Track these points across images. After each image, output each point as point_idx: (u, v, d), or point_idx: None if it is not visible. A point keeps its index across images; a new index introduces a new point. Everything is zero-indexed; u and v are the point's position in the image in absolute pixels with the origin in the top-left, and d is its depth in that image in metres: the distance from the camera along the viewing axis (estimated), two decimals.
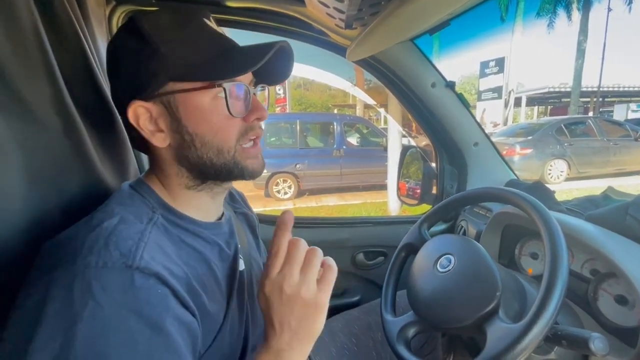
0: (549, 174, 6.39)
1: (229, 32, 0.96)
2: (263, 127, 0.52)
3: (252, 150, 0.49)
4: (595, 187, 5.57)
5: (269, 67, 0.48)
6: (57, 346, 0.31)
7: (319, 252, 0.45)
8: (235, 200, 0.68)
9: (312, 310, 0.42)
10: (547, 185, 0.92)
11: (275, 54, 0.45)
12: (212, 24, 0.48)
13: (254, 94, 0.49)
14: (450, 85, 1.04)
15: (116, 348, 0.32)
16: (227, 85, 0.44)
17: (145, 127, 0.45)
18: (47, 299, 0.33)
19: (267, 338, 0.43)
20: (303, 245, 0.44)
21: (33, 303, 0.33)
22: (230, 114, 0.45)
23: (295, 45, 1.04)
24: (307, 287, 0.42)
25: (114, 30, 0.90)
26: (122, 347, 0.33)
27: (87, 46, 0.57)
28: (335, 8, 0.64)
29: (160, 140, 0.46)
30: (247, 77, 0.48)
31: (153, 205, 0.46)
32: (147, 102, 0.44)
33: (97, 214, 0.40)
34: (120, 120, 0.59)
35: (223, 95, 0.44)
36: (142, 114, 0.44)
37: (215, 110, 0.45)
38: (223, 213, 0.57)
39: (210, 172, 0.47)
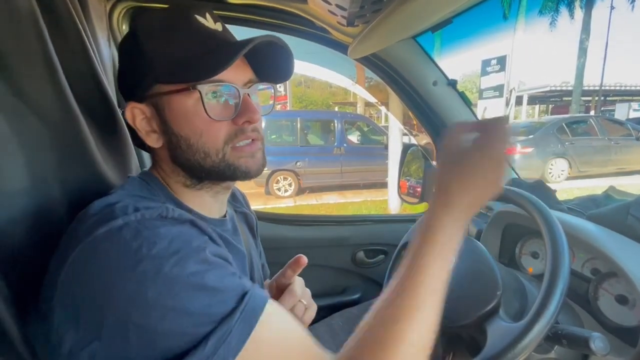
0: (550, 172, 6.38)
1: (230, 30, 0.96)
2: (261, 128, 0.49)
3: (246, 148, 0.46)
4: (596, 186, 5.56)
5: (269, 64, 0.47)
6: (133, 285, 0.31)
7: None
8: (236, 200, 0.69)
9: None
10: (548, 184, 0.92)
11: (271, 50, 0.45)
12: (207, 22, 0.46)
13: (247, 94, 0.46)
14: (452, 84, 1.03)
15: (183, 269, 0.33)
16: (202, 87, 0.42)
17: (141, 127, 0.45)
18: (96, 254, 0.33)
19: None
20: None
21: (78, 265, 0.33)
22: (209, 117, 0.43)
23: (296, 42, 1.05)
24: None
25: (115, 26, 0.90)
26: (186, 268, 0.33)
27: (87, 42, 0.57)
28: (337, 5, 0.63)
29: (154, 141, 0.46)
30: (238, 77, 0.45)
31: (162, 198, 0.46)
32: (140, 103, 0.45)
33: (113, 195, 0.40)
34: (122, 118, 0.59)
35: (212, 96, 0.43)
36: (137, 114, 0.45)
37: (197, 113, 0.43)
38: (226, 211, 0.57)
39: (201, 173, 0.46)
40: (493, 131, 0.40)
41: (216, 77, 0.42)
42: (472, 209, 0.40)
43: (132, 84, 0.44)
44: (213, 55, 0.43)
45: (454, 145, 0.41)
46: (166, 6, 0.49)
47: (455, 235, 0.39)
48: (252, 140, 0.47)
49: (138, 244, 0.33)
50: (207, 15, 0.46)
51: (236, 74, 0.45)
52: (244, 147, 0.46)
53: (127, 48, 0.45)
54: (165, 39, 0.43)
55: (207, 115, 0.43)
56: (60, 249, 0.38)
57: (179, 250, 0.34)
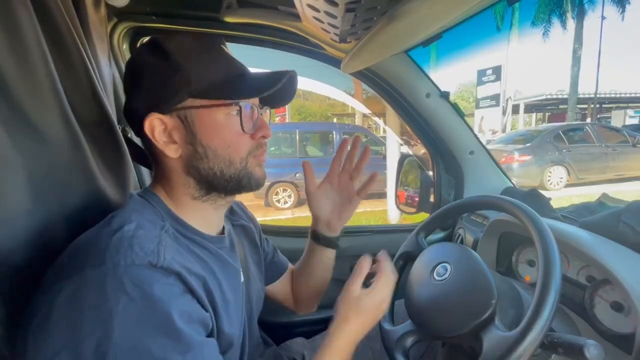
0: (549, 180, 6.39)
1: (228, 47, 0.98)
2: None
3: (261, 157, 0.54)
4: (595, 193, 5.54)
5: (275, 92, 0.51)
6: (96, 339, 0.33)
7: None
8: (234, 213, 0.70)
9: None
10: (547, 192, 0.93)
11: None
12: (228, 50, 0.53)
13: (261, 114, 0.53)
14: (445, 95, 1.05)
15: (151, 336, 0.36)
16: (242, 104, 0.49)
17: (159, 138, 0.48)
18: (79, 297, 0.35)
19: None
20: None
21: (63, 300, 0.35)
22: (243, 130, 0.49)
23: (292, 57, 1.07)
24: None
25: (115, 46, 0.93)
26: (156, 334, 0.36)
27: (89, 62, 0.59)
28: (329, 24, 0.66)
29: (172, 151, 0.49)
30: (255, 100, 0.52)
31: (162, 215, 0.48)
32: (164, 115, 0.48)
33: (115, 219, 0.42)
34: (121, 135, 0.61)
35: (236, 113, 0.49)
36: (157, 126, 0.48)
37: (228, 126, 0.49)
38: (224, 227, 0.58)
39: (220, 182, 0.50)
40: (381, 279, 0.59)
41: (245, 99, 0.49)
42: (362, 331, 0.56)
43: (160, 97, 0.47)
44: (254, 81, 0.50)
45: (353, 289, 0.57)
46: (165, 26, 0.53)
47: (350, 345, 0.55)
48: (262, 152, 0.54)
49: (117, 299, 0.35)
50: (225, 44, 0.53)
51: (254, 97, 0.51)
52: (260, 156, 0.53)
53: (158, 65, 0.48)
54: (201, 59, 0.48)
55: (242, 128, 0.49)
56: (54, 268, 0.39)
57: (154, 317, 0.36)
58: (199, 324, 0.41)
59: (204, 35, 0.54)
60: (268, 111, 0.58)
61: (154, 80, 0.48)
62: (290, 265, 0.82)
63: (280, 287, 0.79)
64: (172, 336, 0.37)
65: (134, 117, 0.49)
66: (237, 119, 0.49)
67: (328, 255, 0.75)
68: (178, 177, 0.50)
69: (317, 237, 0.73)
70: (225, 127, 0.48)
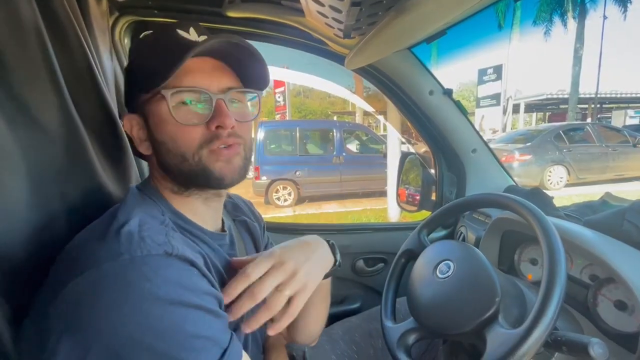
0: (549, 180, 6.40)
1: None
2: (245, 134, 0.50)
3: (224, 151, 0.47)
4: (595, 193, 5.57)
5: (250, 71, 0.49)
6: (133, 327, 0.33)
7: None
8: (238, 209, 0.69)
9: None
10: (547, 192, 0.93)
11: (242, 54, 0.47)
12: (189, 35, 0.48)
13: (222, 100, 0.46)
14: (448, 93, 1.05)
15: (183, 317, 0.36)
16: (167, 92, 0.44)
17: (137, 136, 0.49)
18: (101, 291, 0.34)
19: None
20: None
21: (84, 296, 0.34)
22: (176, 121, 0.45)
23: (295, 53, 1.06)
24: None
25: (117, 40, 0.92)
26: (186, 312, 0.36)
27: (90, 55, 0.58)
28: (333, 18, 0.65)
29: (144, 149, 0.49)
30: (213, 84, 0.47)
31: (162, 209, 0.47)
32: (132, 113, 0.49)
33: (120, 214, 0.41)
34: (122, 129, 0.61)
35: (181, 103, 0.45)
36: (134, 125, 0.49)
37: (169, 118, 0.45)
38: (223, 222, 0.58)
39: (180, 178, 0.48)
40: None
41: (186, 84, 0.45)
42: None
43: (126, 96, 0.50)
44: (168, 61, 0.43)
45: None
46: (167, 20, 0.53)
47: None
48: (230, 145, 0.47)
49: (142, 286, 0.35)
50: (191, 29, 0.48)
51: (211, 80, 0.47)
52: (221, 150, 0.47)
53: (129, 65, 0.51)
54: (147, 53, 0.48)
55: (174, 119, 0.45)
56: (63, 263, 0.39)
57: (181, 297, 0.36)
58: (218, 303, 0.42)
59: (163, 25, 0.54)
60: (258, 96, 0.55)
61: (126, 80, 0.51)
62: None
63: None
64: (203, 309, 0.38)
65: (122, 117, 0.52)
66: (185, 108, 0.45)
67: (324, 284, 0.64)
68: (158, 172, 0.50)
69: None
70: (167, 119, 0.45)
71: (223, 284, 0.48)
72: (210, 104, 0.46)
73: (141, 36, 0.51)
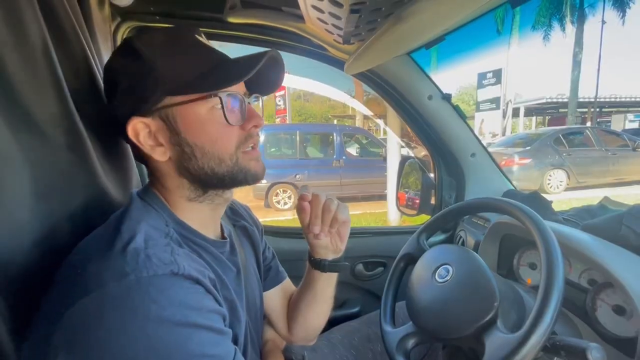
0: (549, 184, 6.40)
1: (231, 47, 0.98)
2: (260, 134, 0.54)
3: (253, 152, 0.51)
4: (595, 197, 5.55)
5: (261, 77, 0.50)
6: (138, 348, 0.34)
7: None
8: (237, 214, 0.69)
9: None
10: (547, 196, 0.93)
11: (266, 64, 0.47)
12: (203, 39, 0.50)
13: (249, 103, 0.50)
14: (447, 98, 1.06)
15: (188, 338, 0.36)
16: (222, 95, 0.46)
17: (145, 142, 0.46)
18: (107, 312, 0.34)
19: None
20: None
21: (89, 317, 0.35)
22: (228, 122, 0.47)
23: (294, 58, 1.07)
24: None
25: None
26: (191, 332, 0.36)
27: (93, 61, 0.59)
28: (333, 25, 0.66)
29: (160, 154, 0.47)
30: (240, 88, 0.50)
31: (166, 220, 0.47)
32: (146, 117, 0.46)
33: (124, 228, 0.41)
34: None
35: (219, 105, 0.46)
36: (141, 129, 0.46)
37: (212, 120, 0.46)
38: (223, 229, 0.58)
39: (213, 180, 0.48)
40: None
41: (231, 88, 0.47)
42: None
43: (137, 100, 0.46)
44: (231, 67, 0.47)
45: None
46: (168, 26, 0.52)
47: None
48: (255, 144, 0.51)
49: (147, 307, 0.35)
50: (201, 34, 0.51)
51: (237, 86, 0.49)
52: (251, 151, 0.50)
53: (131, 66, 0.46)
54: (173, 54, 0.46)
55: (226, 120, 0.46)
56: (68, 280, 0.38)
57: (187, 318, 0.37)
58: (222, 320, 0.42)
59: (174, 29, 0.52)
60: (261, 100, 0.57)
61: (130, 83, 0.46)
62: (289, 287, 0.79)
63: (273, 305, 0.74)
64: (208, 329, 0.38)
65: (117, 123, 0.47)
66: (221, 111, 0.46)
67: (331, 283, 0.71)
68: (171, 179, 0.49)
69: (321, 265, 0.67)
70: (208, 121, 0.46)
71: (225, 290, 0.48)
72: (243, 106, 0.49)
73: (143, 37, 0.48)
